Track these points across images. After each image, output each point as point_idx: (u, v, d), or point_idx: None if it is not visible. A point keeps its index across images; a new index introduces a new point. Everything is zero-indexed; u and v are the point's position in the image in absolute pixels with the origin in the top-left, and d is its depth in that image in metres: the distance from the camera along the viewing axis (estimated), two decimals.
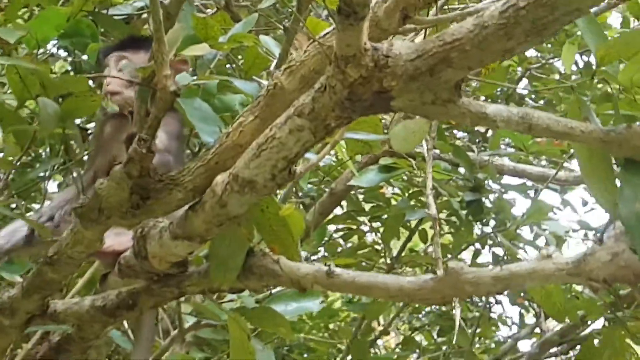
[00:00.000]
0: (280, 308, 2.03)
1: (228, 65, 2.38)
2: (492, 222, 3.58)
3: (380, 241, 4.03)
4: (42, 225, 1.61)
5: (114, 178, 1.41)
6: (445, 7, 1.67)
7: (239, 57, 2.47)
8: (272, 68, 2.13)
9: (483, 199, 3.18)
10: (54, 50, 2.11)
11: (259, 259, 1.51)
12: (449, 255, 4.13)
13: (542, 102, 4.47)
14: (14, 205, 2.27)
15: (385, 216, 3.76)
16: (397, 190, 4.03)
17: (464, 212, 3.34)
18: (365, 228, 4.14)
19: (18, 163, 1.90)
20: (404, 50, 1.10)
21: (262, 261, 1.51)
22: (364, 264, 4.05)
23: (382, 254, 4.08)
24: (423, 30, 1.45)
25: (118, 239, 1.68)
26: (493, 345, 4.54)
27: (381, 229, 4.06)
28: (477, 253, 4.13)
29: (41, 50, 1.82)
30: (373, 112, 1.16)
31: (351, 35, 1.08)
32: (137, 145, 1.36)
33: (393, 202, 3.94)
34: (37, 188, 2.35)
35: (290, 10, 2.13)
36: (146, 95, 1.56)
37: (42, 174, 1.96)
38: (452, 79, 1.08)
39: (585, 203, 4.07)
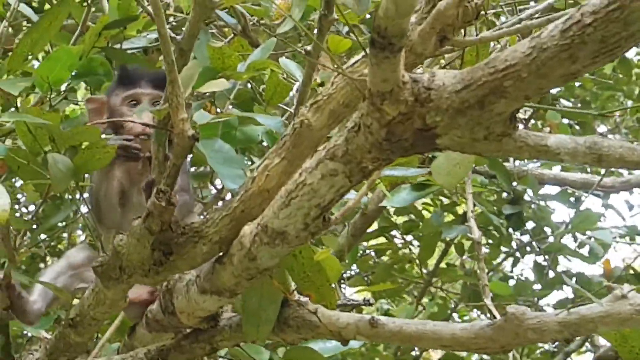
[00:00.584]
0: (319, 346, 1.90)
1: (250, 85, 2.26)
2: (530, 226, 3.45)
3: (414, 254, 3.91)
4: (61, 289, 1.50)
5: (133, 234, 1.29)
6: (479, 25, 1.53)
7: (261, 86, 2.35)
8: (294, 90, 2.01)
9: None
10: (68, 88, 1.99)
11: (294, 309, 1.39)
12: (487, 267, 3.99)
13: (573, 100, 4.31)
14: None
15: (419, 230, 3.63)
16: (427, 200, 3.89)
17: (502, 221, 3.21)
18: (398, 241, 4.01)
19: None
20: (448, 80, 0.97)
21: (298, 312, 1.39)
22: (399, 280, 3.92)
23: (418, 269, 3.95)
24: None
25: (138, 289, 1.56)
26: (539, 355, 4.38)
27: (414, 241, 3.93)
28: (515, 261, 3.98)
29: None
30: (416, 152, 1.03)
31: (387, 69, 0.95)
32: (156, 199, 1.24)
33: (425, 214, 3.81)
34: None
35: (310, 33, 2.00)
36: (163, 138, 1.45)
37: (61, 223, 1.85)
38: (506, 111, 0.95)
39: (631, 207, 3.90)
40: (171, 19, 2.23)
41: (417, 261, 3.80)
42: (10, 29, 2.20)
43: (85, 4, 2.10)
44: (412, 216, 3.82)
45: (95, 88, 1.96)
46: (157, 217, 1.26)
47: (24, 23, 2.51)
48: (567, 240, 3.47)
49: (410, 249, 4.06)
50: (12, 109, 1.78)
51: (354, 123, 1.06)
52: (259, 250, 1.22)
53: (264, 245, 1.21)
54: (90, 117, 1.68)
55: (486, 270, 3.74)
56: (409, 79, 0.98)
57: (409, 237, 3.99)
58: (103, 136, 1.44)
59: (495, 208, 3.08)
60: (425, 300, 4.10)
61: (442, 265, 3.93)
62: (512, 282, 3.92)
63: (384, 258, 4.14)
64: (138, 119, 1.47)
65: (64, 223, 1.94)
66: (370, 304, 1.81)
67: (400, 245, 4.02)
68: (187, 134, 1.27)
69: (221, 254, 1.30)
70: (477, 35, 1.17)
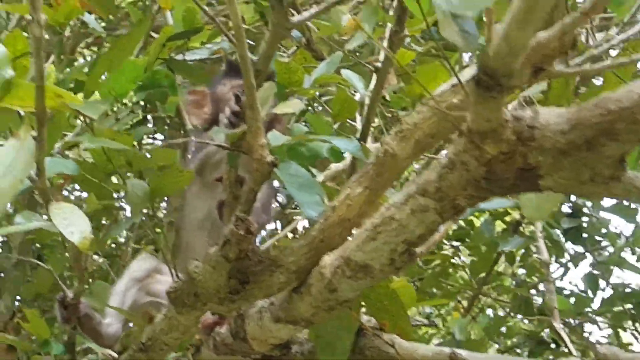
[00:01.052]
0: None
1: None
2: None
3: (464, 262, 3.86)
4: (132, 313, 1.48)
5: (209, 261, 1.27)
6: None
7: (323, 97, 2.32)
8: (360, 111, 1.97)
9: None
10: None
11: (370, 339, 1.36)
12: (536, 276, 3.92)
13: None
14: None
15: (471, 239, 3.58)
16: None
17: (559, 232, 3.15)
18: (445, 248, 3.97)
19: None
20: (553, 119, 0.93)
21: (374, 342, 1.35)
22: (449, 287, 3.87)
23: (467, 276, 3.90)
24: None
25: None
26: None
27: (461, 247, 3.88)
28: (566, 271, 3.92)
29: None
30: (516, 191, 0.98)
31: (491, 109, 0.91)
32: (235, 227, 1.22)
33: (475, 222, 3.76)
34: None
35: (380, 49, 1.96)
36: (236, 160, 1.42)
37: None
38: (615, 154, 0.90)
39: None
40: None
41: (467, 270, 3.75)
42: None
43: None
44: (462, 222, 3.77)
45: (159, 101, 1.94)
46: (234, 245, 1.23)
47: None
48: (625, 253, 3.41)
49: (459, 256, 4.02)
50: (78, 121, 1.77)
51: (449, 159, 1.02)
52: (341, 283, 1.19)
53: (346, 278, 1.18)
54: (189, 109, 1.68)
55: (537, 280, 3.67)
56: (511, 116, 0.94)
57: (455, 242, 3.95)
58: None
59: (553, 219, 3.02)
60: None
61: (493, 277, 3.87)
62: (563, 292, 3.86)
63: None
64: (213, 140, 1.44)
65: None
66: (435, 325, 1.78)
67: (449, 253, 3.98)
68: (266, 160, 1.25)
69: (299, 283, 1.27)
70: (568, 64, 1.12)
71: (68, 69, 2.04)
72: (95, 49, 3.14)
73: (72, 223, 1.12)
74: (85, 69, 2.16)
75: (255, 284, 1.26)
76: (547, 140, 0.93)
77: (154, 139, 3.16)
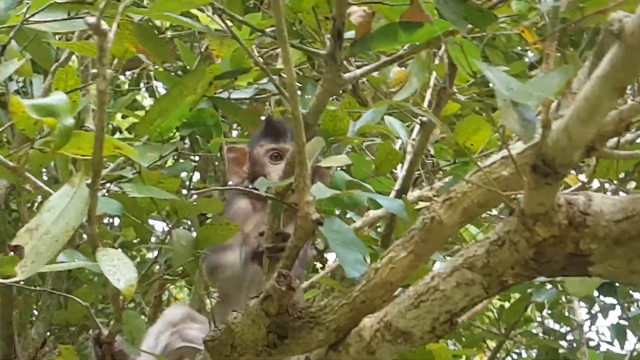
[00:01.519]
0: None
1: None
2: None
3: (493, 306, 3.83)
4: (166, 358, 1.49)
5: (249, 314, 1.27)
6: None
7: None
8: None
9: None
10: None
11: None
12: (564, 325, 3.88)
13: None
14: None
15: None
16: None
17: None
18: None
19: None
20: (607, 207, 0.93)
21: None
22: (479, 330, 3.84)
23: (496, 322, 3.86)
24: None
25: None
26: None
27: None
28: (593, 321, 3.87)
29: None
30: (564, 275, 0.98)
31: (545, 194, 0.91)
32: (277, 282, 1.22)
33: None
34: None
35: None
36: (279, 210, 1.43)
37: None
38: None
39: None
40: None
41: (496, 314, 3.72)
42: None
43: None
44: None
45: (204, 138, 1.96)
46: (276, 301, 1.24)
47: None
48: None
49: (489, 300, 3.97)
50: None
51: (498, 236, 1.02)
52: (380, 346, 1.19)
53: (385, 342, 1.18)
54: (229, 166, 1.70)
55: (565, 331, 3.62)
56: (564, 201, 0.94)
57: None
58: None
59: None
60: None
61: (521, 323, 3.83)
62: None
63: None
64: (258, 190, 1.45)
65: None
66: None
67: None
68: (311, 217, 1.25)
69: (337, 340, 1.27)
70: (617, 146, 1.12)
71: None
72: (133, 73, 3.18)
73: (118, 270, 1.14)
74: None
75: (294, 339, 1.27)
76: (600, 228, 0.93)
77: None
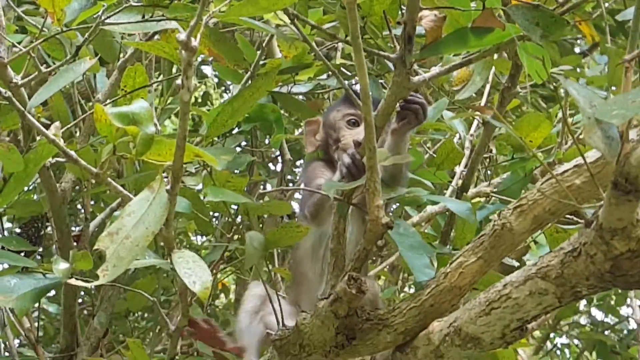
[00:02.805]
0: None
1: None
2: None
3: None
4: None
5: (318, 315, 1.30)
6: None
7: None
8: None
9: None
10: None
11: None
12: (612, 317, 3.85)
13: None
14: None
15: None
16: None
17: None
18: None
19: None
20: None
21: None
22: None
23: None
24: None
25: None
26: None
27: None
28: None
29: None
30: (639, 287, 0.99)
31: (625, 210, 0.91)
32: (347, 286, 1.24)
33: None
34: None
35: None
36: (345, 211, 1.44)
37: None
38: None
39: None
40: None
41: None
42: None
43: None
44: None
45: (265, 133, 1.98)
46: (345, 303, 1.26)
47: None
48: None
49: None
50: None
51: (573, 247, 1.02)
52: (448, 350, 1.21)
53: (454, 346, 1.20)
54: (306, 138, 1.71)
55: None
56: None
57: None
58: None
59: None
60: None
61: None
62: None
63: None
64: (325, 191, 1.46)
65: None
66: None
67: None
68: (381, 221, 1.27)
69: (404, 343, 1.29)
70: None
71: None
72: None
73: (194, 272, 1.16)
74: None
75: (362, 340, 1.29)
76: None
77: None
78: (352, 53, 1.20)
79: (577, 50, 3.66)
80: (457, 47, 1.35)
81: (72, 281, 1.11)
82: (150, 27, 1.38)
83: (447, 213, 2.12)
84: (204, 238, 3.27)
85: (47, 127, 1.65)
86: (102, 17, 1.37)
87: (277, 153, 2.73)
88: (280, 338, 1.36)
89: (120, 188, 1.14)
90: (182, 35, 0.89)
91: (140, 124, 1.07)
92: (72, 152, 1.11)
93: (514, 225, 1.18)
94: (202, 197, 1.54)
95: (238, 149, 2.38)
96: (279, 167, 3.09)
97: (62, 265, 1.47)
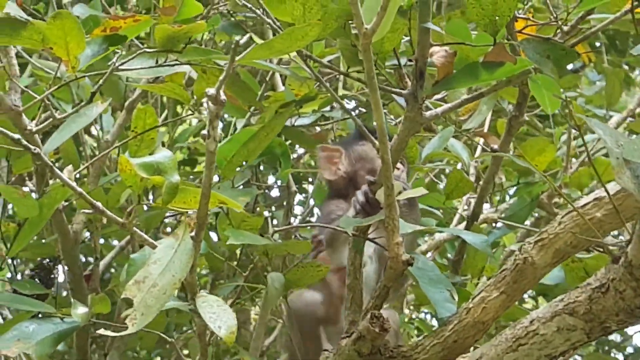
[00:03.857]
0: None
1: None
2: None
3: None
4: None
5: (341, 354, 1.30)
6: None
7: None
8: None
9: None
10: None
11: None
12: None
13: None
14: None
15: None
16: None
17: None
18: None
19: None
20: None
21: None
22: None
23: None
24: None
25: None
26: None
27: None
28: None
29: None
30: None
31: None
32: (370, 324, 1.24)
33: None
34: None
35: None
36: (361, 246, 1.45)
37: None
38: None
39: None
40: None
41: None
42: None
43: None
44: None
45: (271, 167, 1.99)
46: (368, 341, 1.26)
47: None
48: None
49: None
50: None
51: (601, 283, 1.03)
52: None
53: None
54: (321, 164, 1.69)
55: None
56: None
57: None
58: None
59: None
60: None
61: None
62: None
63: None
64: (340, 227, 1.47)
65: None
66: None
67: None
68: (401, 258, 1.27)
69: None
70: None
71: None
72: None
73: (219, 317, 1.16)
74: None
75: None
76: None
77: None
78: (369, 92, 1.21)
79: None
80: (468, 82, 1.36)
81: (102, 331, 1.10)
82: (164, 72, 1.39)
83: (455, 242, 2.14)
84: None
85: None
86: (116, 64, 1.37)
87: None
88: None
89: (146, 237, 1.14)
90: (212, 90, 0.90)
91: (165, 173, 1.07)
92: (99, 204, 1.11)
93: (536, 260, 1.19)
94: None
95: None
96: (273, 193, 3.11)
97: (81, 310, 1.48)
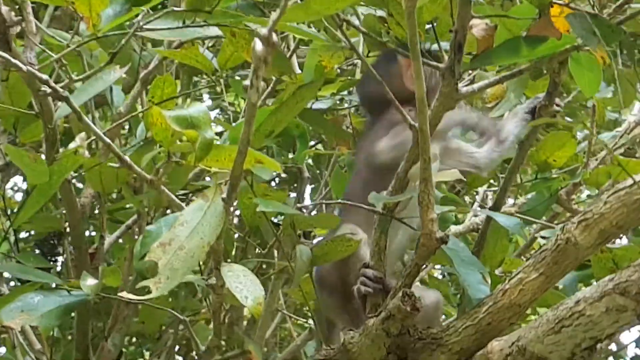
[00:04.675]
0: None
1: None
2: None
3: None
4: None
5: (368, 334, 1.24)
6: None
7: None
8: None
9: None
10: None
11: None
12: None
13: None
14: None
15: None
16: None
17: None
18: None
19: None
20: None
21: None
22: None
23: None
24: None
25: None
26: None
27: None
28: None
29: None
30: None
31: None
32: (402, 302, 1.19)
33: None
34: None
35: None
36: (386, 226, 1.38)
37: None
38: None
39: None
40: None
41: None
42: None
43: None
44: None
45: (288, 149, 1.93)
46: (398, 321, 1.20)
47: None
48: None
49: None
50: None
51: None
52: None
53: None
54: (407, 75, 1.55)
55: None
56: None
57: None
58: None
59: None
60: None
61: None
62: None
63: None
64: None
65: None
66: None
67: None
68: (435, 235, 1.22)
69: None
70: None
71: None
72: None
73: (245, 287, 1.10)
74: None
75: None
76: None
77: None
78: (411, 59, 1.15)
79: None
80: (509, 57, 1.30)
81: (124, 294, 1.04)
82: (191, 34, 1.33)
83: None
84: None
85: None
86: (141, 23, 1.31)
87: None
88: (326, 358, 1.30)
89: (173, 196, 1.08)
90: (264, 29, 0.84)
91: (199, 128, 1.01)
92: (127, 158, 1.04)
93: (579, 240, 1.14)
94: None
95: None
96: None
97: (91, 281, 1.41)
